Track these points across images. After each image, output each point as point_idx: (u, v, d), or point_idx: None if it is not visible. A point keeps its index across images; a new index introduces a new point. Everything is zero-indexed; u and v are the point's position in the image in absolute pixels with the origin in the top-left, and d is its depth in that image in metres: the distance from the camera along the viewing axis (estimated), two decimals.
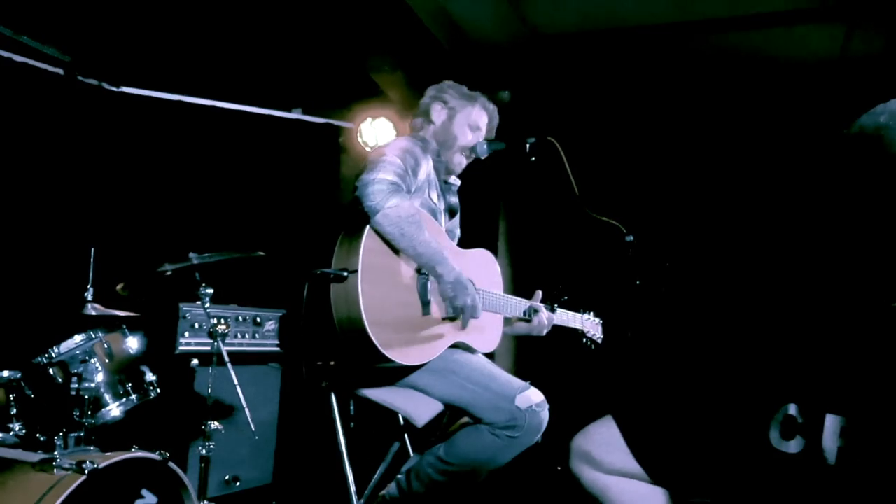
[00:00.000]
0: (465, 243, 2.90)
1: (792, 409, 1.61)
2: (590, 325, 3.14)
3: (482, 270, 2.81)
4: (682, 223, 4.87)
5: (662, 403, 1.84)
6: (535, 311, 2.83)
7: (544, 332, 2.87)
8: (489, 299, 2.69)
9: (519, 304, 2.84)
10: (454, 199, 2.87)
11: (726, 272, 4.76)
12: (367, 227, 2.37)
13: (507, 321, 2.90)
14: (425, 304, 2.48)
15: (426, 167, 2.62)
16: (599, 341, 3.16)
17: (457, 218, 2.90)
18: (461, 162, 2.81)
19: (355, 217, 2.40)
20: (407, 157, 2.51)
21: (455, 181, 2.89)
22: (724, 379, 1.77)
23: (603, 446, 1.85)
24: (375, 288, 2.33)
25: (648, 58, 4.69)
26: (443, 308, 2.53)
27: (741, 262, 4.73)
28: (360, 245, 2.34)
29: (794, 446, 1.59)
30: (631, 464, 1.81)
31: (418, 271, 2.50)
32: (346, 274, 2.32)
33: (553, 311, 2.91)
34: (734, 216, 4.80)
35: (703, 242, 4.84)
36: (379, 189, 2.35)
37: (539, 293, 2.90)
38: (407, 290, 2.47)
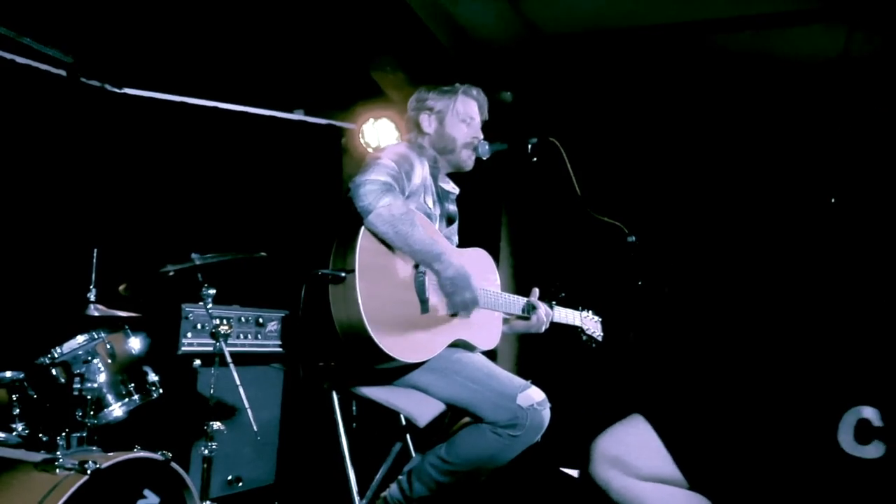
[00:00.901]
0: (466, 245, 2.90)
1: (867, 413, 1.57)
2: (589, 322, 3.14)
3: (479, 269, 2.81)
4: (684, 224, 4.87)
5: (705, 406, 1.78)
6: (534, 308, 2.84)
7: (543, 329, 2.87)
8: (487, 297, 2.69)
9: (517, 302, 2.84)
10: (452, 208, 2.86)
11: (731, 273, 4.75)
12: (362, 227, 2.38)
13: (506, 320, 2.91)
14: (423, 302, 2.48)
15: (421, 172, 2.63)
16: (600, 339, 3.16)
17: (454, 226, 2.89)
18: (469, 156, 2.81)
19: (350, 218, 2.40)
20: (401, 160, 2.52)
21: (453, 189, 2.89)
22: (776, 382, 1.72)
23: (636, 450, 1.78)
24: (373, 287, 2.34)
25: (650, 58, 4.69)
26: (442, 305, 2.54)
27: (747, 263, 4.73)
28: (356, 245, 2.34)
29: (872, 451, 1.55)
30: (669, 469, 1.74)
31: (416, 268, 2.50)
32: (343, 274, 2.32)
33: (551, 307, 2.91)
34: (737, 216, 4.80)
35: (706, 243, 4.84)
36: (371, 189, 2.36)
37: (536, 290, 2.90)
38: (405, 289, 2.48)
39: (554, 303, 2.95)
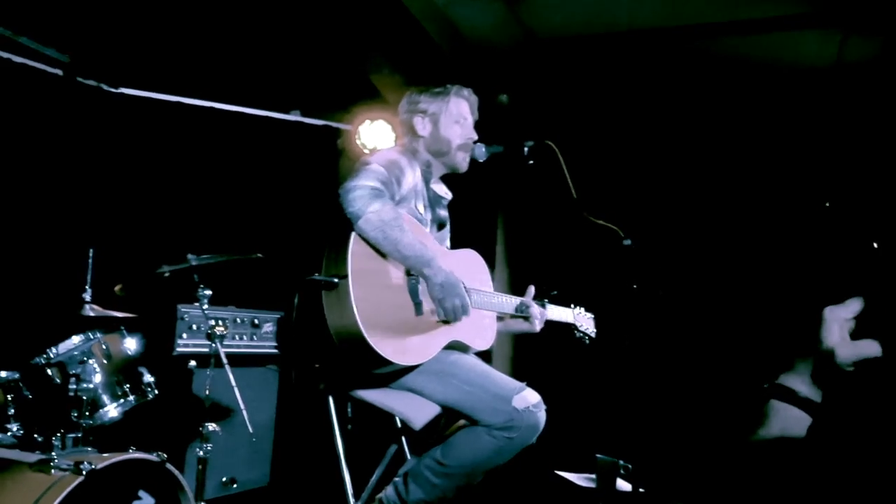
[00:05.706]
0: (462, 247, 2.90)
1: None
2: (582, 319, 3.16)
3: (470, 270, 2.81)
4: (680, 227, 4.88)
5: None
6: (527, 307, 2.84)
7: (537, 328, 2.87)
8: (480, 297, 2.70)
9: (510, 301, 2.85)
10: (444, 213, 2.85)
11: (727, 276, 4.77)
12: (353, 232, 2.38)
13: (501, 319, 2.91)
14: (417, 305, 2.49)
15: (412, 177, 2.63)
16: (593, 335, 3.17)
17: (446, 231, 2.89)
18: (464, 157, 2.80)
19: (341, 223, 2.41)
20: (391, 165, 2.53)
21: (446, 194, 2.89)
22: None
23: None
24: (367, 292, 2.34)
25: (645, 62, 4.70)
26: (434, 308, 2.54)
27: (743, 267, 4.74)
28: (348, 251, 2.35)
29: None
30: None
31: (408, 273, 2.50)
32: (336, 280, 2.32)
33: (544, 306, 2.92)
34: (732, 220, 4.81)
35: (702, 246, 4.85)
36: (360, 195, 2.36)
37: (531, 288, 2.90)
38: (399, 292, 2.48)
39: (546, 301, 2.96)
